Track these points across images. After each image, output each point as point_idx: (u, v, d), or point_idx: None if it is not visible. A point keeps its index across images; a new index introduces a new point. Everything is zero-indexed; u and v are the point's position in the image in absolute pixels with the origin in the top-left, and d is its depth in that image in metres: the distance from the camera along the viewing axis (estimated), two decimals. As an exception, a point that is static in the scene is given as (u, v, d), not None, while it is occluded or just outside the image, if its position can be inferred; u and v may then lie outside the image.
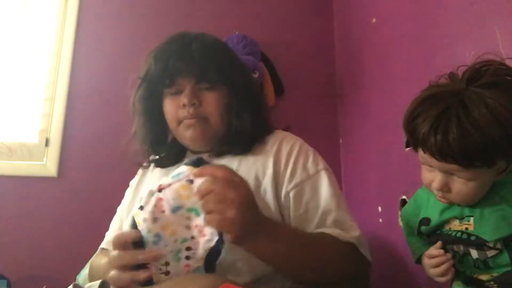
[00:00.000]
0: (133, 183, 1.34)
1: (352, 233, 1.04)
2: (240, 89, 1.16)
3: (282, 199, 1.07)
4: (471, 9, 1.29)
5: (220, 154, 1.15)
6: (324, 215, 1.05)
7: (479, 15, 1.25)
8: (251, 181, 1.05)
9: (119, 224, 1.29)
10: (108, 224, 1.64)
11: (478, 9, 1.26)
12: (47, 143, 2.01)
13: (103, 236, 1.61)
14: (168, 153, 1.23)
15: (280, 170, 1.09)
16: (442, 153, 0.79)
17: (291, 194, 1.06)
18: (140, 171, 1.33)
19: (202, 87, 1.12)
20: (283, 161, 1.10)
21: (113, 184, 1.95)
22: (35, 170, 1.97)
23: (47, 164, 1.97)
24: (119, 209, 1.35)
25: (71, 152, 2.01)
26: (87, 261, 1.59)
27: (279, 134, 1.21)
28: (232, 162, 1.11)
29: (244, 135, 1.14)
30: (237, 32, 2.18)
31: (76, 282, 1.59)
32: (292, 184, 1.07)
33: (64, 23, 2.15)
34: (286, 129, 1.28)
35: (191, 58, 1.10)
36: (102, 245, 1.29)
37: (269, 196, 1.06)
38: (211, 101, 1.12)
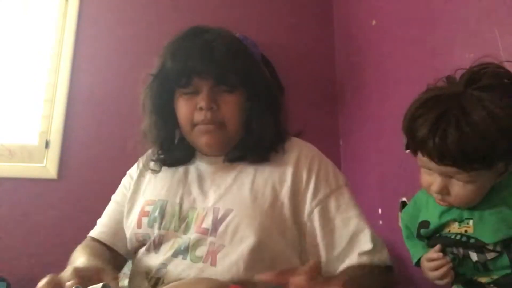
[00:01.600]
0: (132, 174, 1.26)
1: (384, 252, 1.00)
2: (260, 93, 1.09)
3: (306, 216, 1.01)
4: (471, 11, 1.29)
5: (234, 160, 1.08)
6: (356, 234, 1.00)
7: (479, 18, 1.25)
8: (267, 192, 1.01)
9: (112, 215, 1.24)
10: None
11: (478, 11, 1.26)
12: (47, 145, 2.01)
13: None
14: (177, 153, 1.15)
15: (301, 185, 1.03)
16: (440, 156, 0.79)
17: (316, 211, 1.01)
18: (140, 166, 1.24)
19: (221, 89, 1.04)
20: (304, 176, 1.04)
21: (113, 186, 1.95)
22: (35, 172, 1.97)
23: (47, 166, 1.97)
24: (113, 197, 1.29)
25: (71, 154, 2.01)
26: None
27: (296, 143, 1.14)
28: (247, 170, 1.06)
29: (262, 143, 1.07)
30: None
31: None
32: (316, 201, 1.02)
33: (64, 24, 2.15)
34: (297, 135, 1.21)
35: (211, 58, 1.02)
36: (91, 233, 1.26)
37: (287, 211, 1.00)
38: (230, 106, 1.04)
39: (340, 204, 1.03)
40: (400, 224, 1.63)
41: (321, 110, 2.33)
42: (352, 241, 0.99)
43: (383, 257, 0.99)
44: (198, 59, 1.03)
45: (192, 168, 1.13)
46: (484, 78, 0.79)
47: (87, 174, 2.00)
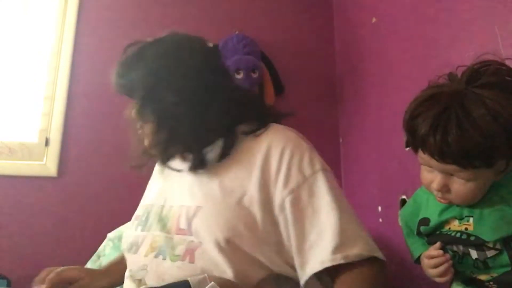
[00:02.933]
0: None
1: (360, 245, 0.93)
2: (164, 104, 1.04)
3: (277, 207, 0.97)
4: (471, 9, 1.29)
5: (193, 170, 1.05)
6: (323, 227, 0.94)
7: (479, 15, 1.25)
8: (236, 188, 0.99)
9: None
10: (108, 224, 1.65)
11: (478, 9, 1.26)
12: (47, 142, 2.00)
13: (103, 235, 1.62)
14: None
15: (270, 177, 0.99)
16: (441, 154, 0.79)
17: (287, 201, 0.96)
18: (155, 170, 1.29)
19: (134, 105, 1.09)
20: (274, 166, 0.99)
21: (113, 184, 1.96)
22: (35, 170, 1.96)
23: (47, 164, 1.97)
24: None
25: (71, 151, 2.01)
26: (87, 261, 1.60)
27: (270, 132, 1.07)
28: (218, 168, 1.04)
29: (190, 148, 1.04)
30: (237, 32, 2.19)
31: None
32: (287, 190, 0.97)
33: (64, 22, 2.15)
34: (289, 116, 1.19)
35: (120, 76, 1.12)
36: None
37: (256, 205, 0.97)
38: (147, 130, 1.07)
39: (314, 191, 0.98)
40: (400, 222, 1.64)
41: (321, 108, 2.33)
42: (322, 233, 0.94)
43: (357, 249, 0.92)
44: (116, 77, 1.15)
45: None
46: (486, 75, 0.79)
47: (87, 171, 2.00)
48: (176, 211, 1.03)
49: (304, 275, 0.94)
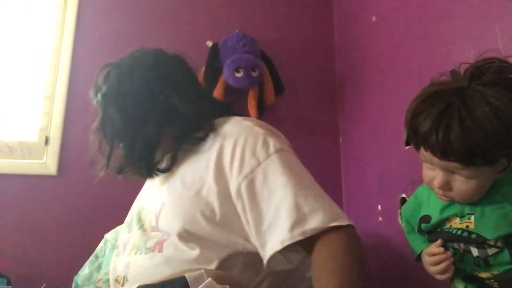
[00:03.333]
0: None
1: (318, 218, 0.92)
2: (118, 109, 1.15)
3: (234, 194, 0.99)
4: (471, 7, 1.29)
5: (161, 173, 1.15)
6: (279, 206, 0.95)
7: (479, 13, 1.25)
8: (196, 180, 1.04)
9: None
10: (107, 223, 1.64)
11: (478, 7, 1.26)
12: (46, 141, 2.00)
13: (103, 234, 1.61)
14: None
15: (226, 165, 1.02)
16: (443, 152, 0.79)
17: (243, 187, 0.98)
18: None
19: None
20: (228, 154, 1.02)
21: (112, 183, 1.95)
22: (35, 168, 1.96)
23: (47, 163, 1.97)
24: None
25: (71, 150, 2.01)
26: (87, 259, 1.60)
27: (228, 124, 1.12)
28: (182, 165, 1.11)
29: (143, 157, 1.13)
30: (237, 31, 2.18)
31: (74, 284, 1.59)
32: (242, 176, 0.99)
33: (63, 21, 2.14)
34: (226, 111, 1.22)
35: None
36: None
37: (214, 194, 1.01)
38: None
39: (268, 173, 0.98)
40: (400, 220, 1.64)
41: (321, 106, 2.33)
42: (278, 212, 0.94)
43: (314, 223, 0.91)
44: None
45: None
46: (488, 73, 0.78)
47: (87, 170, 1.99)
48: (149, 211, 1.12)
49: (265, 255, 0.96)
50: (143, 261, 1.02)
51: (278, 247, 0.92)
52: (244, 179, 0.98)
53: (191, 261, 0.97)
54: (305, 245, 0.94)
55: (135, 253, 1.06)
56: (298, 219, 0.91)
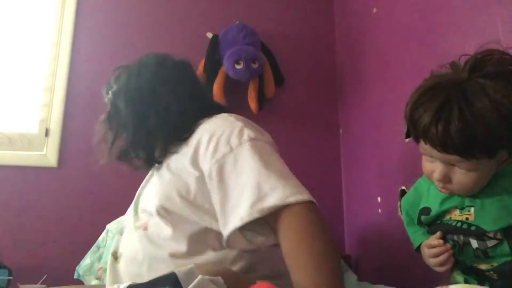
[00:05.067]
0: None
1: (277, 195, 0.94)
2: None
3: (207, 177, 1.05)
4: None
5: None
6: (243, 187, 0.99)
7: (480, 6, 1.25)
8: (178, 167, 1.12)
9: None
10: (108, 214, 1.65)
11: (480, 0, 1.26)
12: (47, 133, 2.00)
13: (103, 226, 1.62)
14: None
15: (202, 150, 1.08)
16: (443, 145, 0.79)
17: (213, 170, 1.03)
18: None
19: None
20: (205, 141, 1.09)
21: (113, 174, 1.95)
22: (35, 160, 1.96)
23: (47, 154, 1.97)
24: None
25: (71, 142, 2.01)
26: (87, 251, 1.60)
27: (213, 118, 1.18)
28: (170, 157, 1.18)
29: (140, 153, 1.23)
30: (237, 22, 2.17)
31: (76, 274, 1.60)
32: (214, 160, 1.04)
33: (63, 12, 2.14)
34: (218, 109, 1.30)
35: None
36: None
37: (191, 178, 1.08)
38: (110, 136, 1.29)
39: (238, 159, 1.03)
40: (400, 212, 1.65)
41: (321, 99, 2.33)
42: (242, 192, 0.98)
43: (272, 200, 0.94)
44: None
45: None
46: (489, 65, 0.78)
47: (87, 162, 2.00)
48: (143, 197, 1.24)
49: (225, 233, 1.01)
50: (133, 239, 1.12)
51: (237, 224, 0.96)
52: (216, 163, 1.04)
53: (167, 237, 1.05)
54: (270, 223, 0.99)
55: (128, 233, 1.18)
56: (258, 198, 0.95)
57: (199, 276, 0.77)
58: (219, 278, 0.84)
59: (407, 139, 1.59)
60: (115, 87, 1.28)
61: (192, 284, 0.75)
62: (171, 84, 1.25)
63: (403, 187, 1.64)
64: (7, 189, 1.90)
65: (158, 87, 1.23)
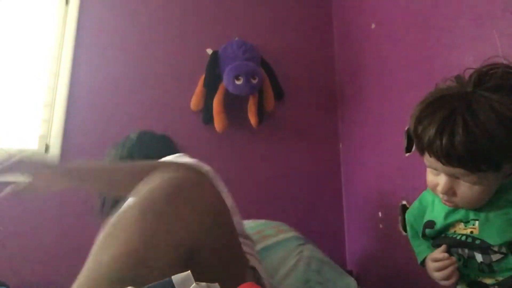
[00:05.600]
0: None
1: None
2: None
3: None
4: (470, 13, 1.30)
5: None
6: None
7: (478, 19, 1.26)
8: None
9: None
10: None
11: (477, 13, 1.27)
12: (46, 149, 2.00)
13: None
14: None
15: None
16: (447, 157, 0.78)
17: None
18: None
19: None
20: None
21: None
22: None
23: (46, 170, 1.96)
24: None
25: (71, 158, 2.00)
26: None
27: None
28: None
29: None
30: (237, 38, 2.19)
31: None
32: None
33: (64, 27, 2.15)
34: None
35: None
36: None
37: None
38: None
39: None
40: (400, 227, 1.64)
41: (321, 113, 2.34)
42: None
43: None
44: None
45: None
46: (493, 78, 0.78)
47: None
48: None
49: None
50: None
51: None
52: None
53: None
54: None
55: None
56: None
57: (194, 284, 0.76)
58: (216, 285, 0.83)
59: (407, 154, 1.59)
60: (113, 152, 1.48)
61: None
62: (144, 150, 1.47)
63: (404, 202, 1.63)
64: (7, 205, 1.88)
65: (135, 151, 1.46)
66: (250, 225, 1.74)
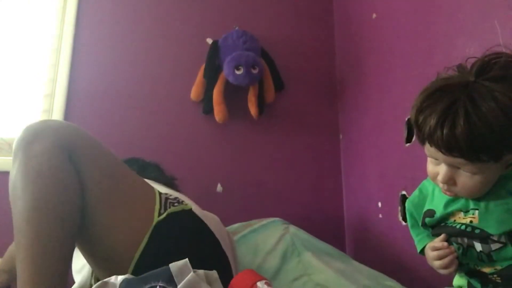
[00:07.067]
0: None
1: None
2: None
3: None
4: (471, 3, 1.30)
5: None
6: None
7: (479, 10, 1.26)
8: None
9: None
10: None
11: (478, 3, 1.27)
12: (46, 139, 2.00)
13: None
14: None
15: None
16: (448, 147, 0.78)
17: None
18: None
19: None
20: None
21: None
22: (35, 166, 1.95)
23: (47, 160, 1.96)
24: None
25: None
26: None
27: None
28: None
29: None
30: (237, 28, 2.18)
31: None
32: None
33: (63, 19, 2.14)
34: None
35: None
36: None
37: None
38: None
39: None
40: (400, 217, 1.65)
41: (321, 104, 2.34)
42: None
43: None
44: None
45: None
46: (495, 68, 0.78)
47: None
48: None
49: None
50: None
51: None
52: None
53: None
54: None
55: None
56: None
57: (191, 273, 0.77)
58: (214, 273, 0.84)
59: (407, 144, 1.60)
60: None
61: (183, 282, 0.75)
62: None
63: (404, 192, 1.64)
64: (6, 195, 1.88)
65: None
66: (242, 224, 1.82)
